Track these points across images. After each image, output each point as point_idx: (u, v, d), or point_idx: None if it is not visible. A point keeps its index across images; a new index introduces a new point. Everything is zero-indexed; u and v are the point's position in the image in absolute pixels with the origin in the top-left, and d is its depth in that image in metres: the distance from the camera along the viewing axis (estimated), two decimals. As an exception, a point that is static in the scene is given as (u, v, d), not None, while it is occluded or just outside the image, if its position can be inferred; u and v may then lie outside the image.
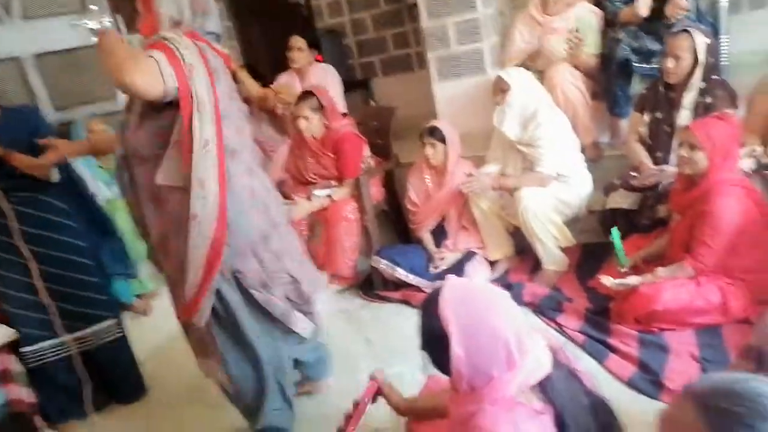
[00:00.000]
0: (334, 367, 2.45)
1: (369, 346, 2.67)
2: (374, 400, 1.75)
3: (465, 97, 3.44)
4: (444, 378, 1.64)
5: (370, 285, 3.15)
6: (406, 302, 2.95)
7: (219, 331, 1.86)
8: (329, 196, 3.10)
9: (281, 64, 3.84)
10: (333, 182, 3.16)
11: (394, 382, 1.89)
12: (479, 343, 1.14)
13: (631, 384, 2.10)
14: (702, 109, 2.60)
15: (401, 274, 2.98)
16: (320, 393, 2.35)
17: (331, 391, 2.35)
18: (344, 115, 3.25)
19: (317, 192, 3.11)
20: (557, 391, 1.18)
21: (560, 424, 1.15)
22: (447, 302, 1.18)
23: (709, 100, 2.60)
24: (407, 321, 2.79)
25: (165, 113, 1.65)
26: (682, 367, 2.12)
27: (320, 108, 3.10)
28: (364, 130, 3.26)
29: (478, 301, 1.19)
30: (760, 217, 2.29)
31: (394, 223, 3.39)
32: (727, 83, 2.69)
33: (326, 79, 3.78)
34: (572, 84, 3.12)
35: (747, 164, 2.43)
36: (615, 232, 2.45)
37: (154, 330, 2.97)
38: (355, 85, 4.28)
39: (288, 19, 4.48)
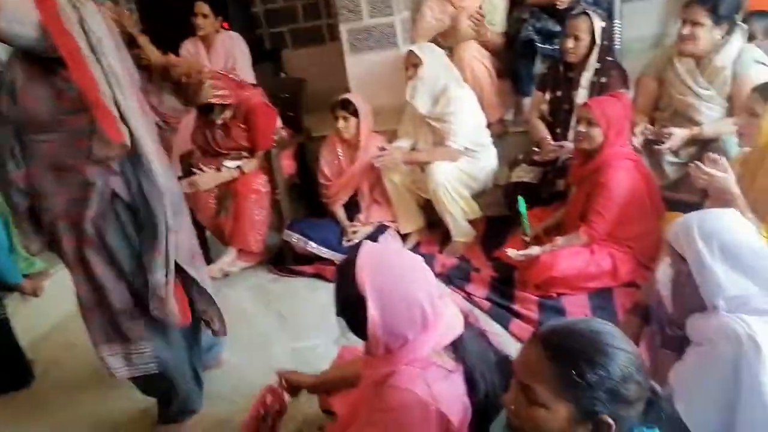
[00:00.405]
0: (248, 343, 2.42)
1: (281, 321, 2.64)
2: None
3: (377, 71, 3.43)
4: (358, 347, 1.67)
5: (281, 260, 3.10)
6: (319, 276, 2.93)
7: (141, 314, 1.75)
8: (239, 167, 2.99)
9: (185, 30, 3.62)
10: (244, 153, 3.05)
11: (306, 357, 1.89)
12: (395, 306, 1.16)
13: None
14: (597, 89, 2.77)
15: (313, 247, 2.95)
16: (221, 368, 2.31)
17: (245, 366, 2.31)
18: (254, 86, 3.13)
19: (227, 163, 2.99)
20: (467, 350, 1.23)
21: (470, 380, 1.20)
22: (363, 266, 1.18)
23: (604, 80, 2.78)
24: (320, 294, 2.78)
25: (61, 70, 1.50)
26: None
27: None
28: (274, 103, 3.16)
29: (393, 265, 1.20)
30: (647, 189, 2.50)
31: (306, 197, 3.35)
32: (620, 65, 2.89)
33: (233, 48, 3.62)
34: (480, 62, 3.21)
35: (637, 141, 2.64)
36: (521, 202, 2.57)
37: (45, 311, 2.74)
38: (264, 56, 4.13)
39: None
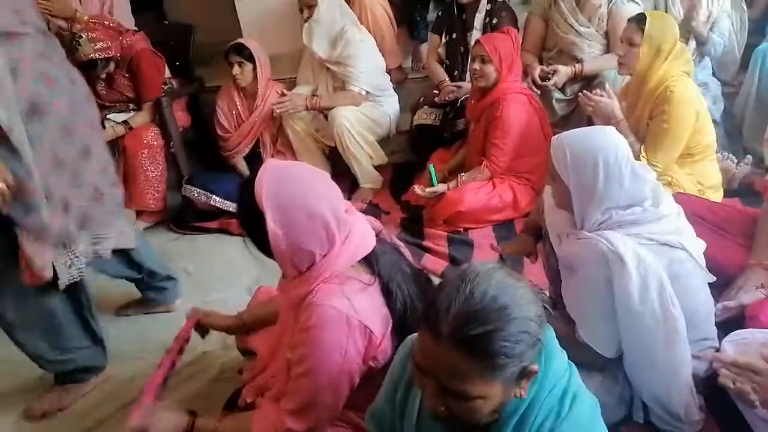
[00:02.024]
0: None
1: (188, 278, 2.51)
2: (200, 331, 1.67)
3: (271, 14, 3.27)
4: (274, 287, 1.63)
5: (182, 218, 2.93)
6: (224, 231, 2.82)
7: None
8: (125, 122, 2.76)
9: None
10: (131, 106, 2.82)
11: (220, 307, 1.82)
12: (295, 218, 1.13)
13: (444, 276, 2.31)
14: (490, 29, 2.85)
15: (217, 201, 2.82)
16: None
17: (151, 324, 2.20)
18: (135, 32, 2.88)
19: (112, 116, 2.76)
20: (382, 263, 1.23)
21: (387, 292, 1.21)
22: (263, 181, 1.14)
23: (495, 20, 2.86)
24: (227, 249, 2.68)
25: None
26: (485, 257, 2.38)
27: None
28: (160, 51, 2.93)
29: (292, 179, 1.17)
30: (540, 123, 2.63)
31: (204, 151, 3.17)
32: (509, 6, 2.98)
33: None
34: (380, 5, 3.17)
35: (528, 80, 2.76)
36: (431, 168, 2.65)
37: None
38: (144, 4, 3.78)
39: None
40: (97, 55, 2.57)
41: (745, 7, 2.91)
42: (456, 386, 0.83)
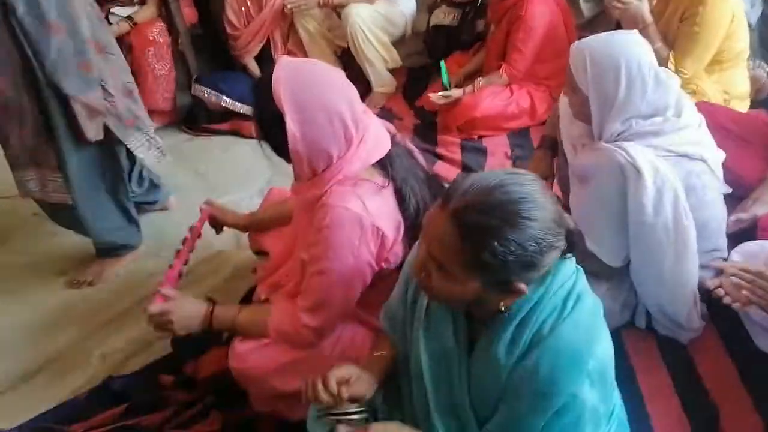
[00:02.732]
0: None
1: (200, 178, 2.53)
2: (214, 227, 1.68)
3: None
4: (285, 189, 1.63)
5: (193, 119, 2.90)
6: (236, 133, 2.79)
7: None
8: (130, 17, 2.66)
9: None
10: (137, 1, 2.70)
11: (233, 208, 1.84)
12: (314, 118, 1.10)
13: (456, 183, 2.31)
14: None
15: (228, 102, 2.77)
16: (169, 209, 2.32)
17: (163, 220, 2.25)
18: None
19: (115, 10, 2.65)
20: (396, 167, 1.22)
21: (400, 196, 1.21)
22: (279, 80, 1.10)
23: None
24: (239, 151, 2.67)
25: None
26: (498, 165, 2.37)
27: None
28: (164, -61, 2.76)
29: (311, 78, 1.13)
30: (564, 24, 2.49)
31: (212, 49, 3.07)
32: None
33: None
34: None
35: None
36: (442, 64, 2.55)
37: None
38: None
39: None
40: None
41: None
42: (439, 257, 0.86)
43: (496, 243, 0.80)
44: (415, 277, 0.93)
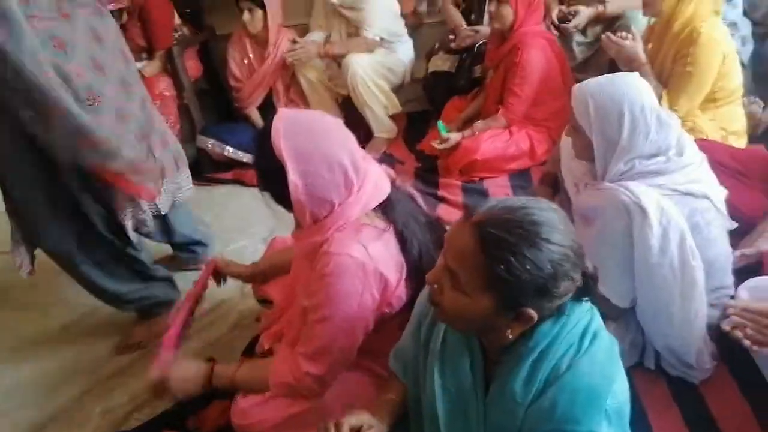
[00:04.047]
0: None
1: (204, 229, 2.54)
2: (217, 280, 1.69)
3: (281, -42, 3.17)
4: (288, 237, 1.64)
5: (197, 169, 2.93)
6: (239, 182, 2.83)
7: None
8: (138, 71, 2.73)
9: None
10: (143, 56, 2.79)
11: (236, 257, 1.85)
12: (316, 168, 1.12)
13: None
14: (509, -31, 2.72)
15: (231, 152, 2.83)
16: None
17: (179, 277, 2.21)
18: (143, -22, 2.81)
19: (122, 67, 2.73)
20: (397, 210, 1.23)
21: (402, 239, 1.21)
22: (279, 132, 1.13)
23: (515, -41, 2.72)
24: (242, 199, 2.70)
25: None
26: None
27: None
28: (169, -2, 2.88)
29: (310, 128, 1.16)
30: (560, 68, 2.55)
31: (216, 101, 3.15)
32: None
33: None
34: (391, -53, 3.04)
35: (548, 21, 2.65)
36: (440, 123, 2.61)
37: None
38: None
39: None
40: (111, 6, 2.53)
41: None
42: (455, 267, 0.88)
43: (512, 258, 0.82)
44: (428, 287, 0.95)
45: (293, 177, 1.11)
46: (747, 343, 1.22)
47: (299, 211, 1.17)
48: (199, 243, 2.23)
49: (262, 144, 1.14)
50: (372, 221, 1.20)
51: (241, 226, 2.49)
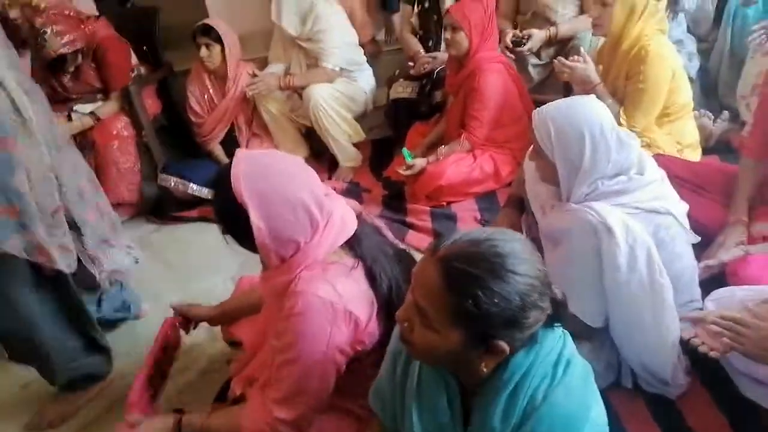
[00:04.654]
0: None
1: (171, 269, 2.48)
2: (186, 328, 1.65)
3: (237, -7, 3.18)
4: (257, 275, 1.61)
5: (160, 208, 2.88)
6: (205, 219, 2.77)
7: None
8: (92, 113, 2.68)
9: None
10: (98, 96, 2.73)
11: (205, 296, 1.80)
12: (279, 210, 1.10)
13: (429, 252, 2.31)
14: (462, -4, 2.78)
15: (195, 189, 2.77)
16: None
17: (138, 322, 2.16)
18: (97, 18, 2.77)
19: (78, 108, 2.67)
20: (365, 246, 1.21)
21: (371, 275, 1.19)
22: (239, 176, 1.10)
23: (467, -14, 2.79)
24: (209, 236, 2.63)
25: None
26: (469, 229, 2.37)
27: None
28: (124, 37, 2.83)
29: (271, 169, 1.13)
30: (518, 91, 2.60)
31: (178, 138, 3.09)
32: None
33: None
34: (346, -22, 3.08)
35: (502, 45, 2.71)
36: (404, 150, 2.61)
37: None
38: (105, -13, 3.66)
39: None
40: (66, 49, 2.48)
41: (715, -38, 2.88)
42: (423, 304, 0.87)
43: (479, 292, 0.82)
44: (398, 325, 0.94)
45: (256, 220, 1.09)
46: (704, 349, 1.25)
47: (265, 253, 1.15)
48: (123, 305, 2.10)
49: (222, 188, 1.12)
50: (340, 258, 1.18)
51: (208, 264, 2.43)
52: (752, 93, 2.35)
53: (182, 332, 1.62)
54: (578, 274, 1.41)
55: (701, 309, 1.45)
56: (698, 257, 1.58)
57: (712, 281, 1.58)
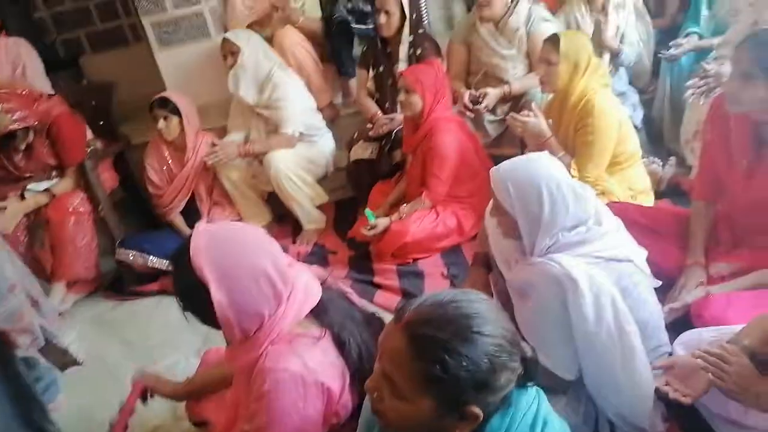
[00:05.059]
0: (94, 381, 2.14)
1: (130, 348, 2.37)
2: (144, 400, 1.56)
3: (193, 65, 3.23)
4: (222, 348, 1.55)
5: (119, 284, 2.78)
6: (165, 292, 2.68)
7: None
8: (47, 190, 2.61)
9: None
10: (53, 173, 2.68)
11: (168, 374, 1.71)
12: (241, 282, 1.07)
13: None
14: (414, 60, 2.89)
15: (154, 261, 2.69)
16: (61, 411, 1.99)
17: (96, 406, 2.02)
18: (50, 96, 2.75)
19: (31, 187, 2.60)
20: (331, 313, 1.19)
21: (339, 343, 1.16)
22: (198, 249, 1.08)
23: (419, 51, 2.90)
24: (170, 310, 2.54)
25: None
26: (437, 286, 2.37)
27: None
28: (80, 112, 2.81)
29: (230, 241, 1.11)
30: (473, 147, 2.67)
31: (137, 210, 3.04)
32: (431, 37, 3.05)
33: (19, 56, 3.10)
34: (301, 46, 3.17)
35: (457, 106, 2.81)
36: (367, 211, 2.62)
37: None
38: (60, 65, 3.66)
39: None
40: (16, 125, 2.45)
41: (648, 20, 3.08)
42: (392, 372, 0.85)
43: (447, 356, 0.81)
44: (369, 393, 0.92)
45: (217, 295, 1.06)
46: (676, 395, 1.25)
47: (228, 329, 1.11)
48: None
49: (182, 263, 1.09)
50: (306, 329, 1.15)
51: (170, 339, 2.34)
52: (694, 138, 2.48)
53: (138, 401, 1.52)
54: (547, 327, 1.41)
55: (670, 353, 1.46)
56: (660, 300, 1.60)
57: (677, 324, 1.60)
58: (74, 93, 2.95)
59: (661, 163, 2.63)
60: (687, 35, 2.77)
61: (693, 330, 1.50)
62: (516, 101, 2.88)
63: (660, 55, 2.83)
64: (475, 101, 2.81)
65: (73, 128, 2.66)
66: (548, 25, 2.76)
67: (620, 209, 1.77)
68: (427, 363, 0.82)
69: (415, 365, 0.83)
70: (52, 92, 2.81)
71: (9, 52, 3.07)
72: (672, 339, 1.50)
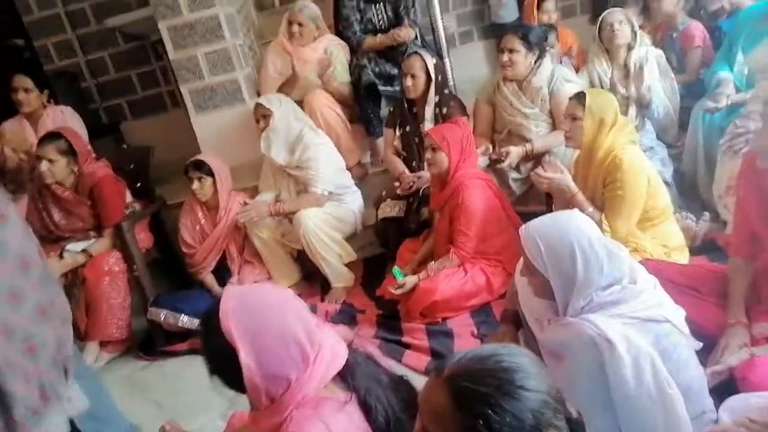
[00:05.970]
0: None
1: (159, 409, 2.36)
2: None
3: (228, 128, 3.36)
4: (246, 413, 1.53)
5: (150, 343, 2.81)
6: (196, 351, 2.69)
7: None
8: (84, 250, 2.70)
9: (4, 109, 3.27)
10: (92, 234, 2.77)
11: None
12: (269, 347, 1.07)
13: (428, 373, 2.22)
14: (440, 119, 2.95)
15: (185, 321, 2.71)
16: None
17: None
18: (97, 158, 2.89)
19: (70, 247, 2.69)
20: (357, 376, 1.17)
21: (366, 407, 1.14)
22: (227, 313, 1.08)
23: (444, 110, 2.97)
24: (200, 371, 2.50)
25: None
26: (466, 346, 2.31)
27: (70, 152, 2.71)
28: (120, 175, 2.94)
29: (259, 305, 1.12)
30: (501, 204, 2.67)
31: (170, 270, 3.10)
32: (457, 96, 3.12)
33: (66, 123, 3.31)
34: (330, 108, 3.28)
35: (481, 161, 2.83)
36: (395, 269, 2.62)
37: None
38: (102, 131, 3.87)
39: (5, 63, 3.85)
40: (55, 187, 2.57)
41: (672, 75, 3.10)
42: (431, 426, 0.84)
43: (489, 411, 0.79)
44: None
45: (246, 359, 1.05)
46: None
47: (254, 393, 1.10)
48: None
49: (209, 326, 1.09)
50: (332, 392, 1.13)
51: (197, 401, 2.31)
52: (727, 193, 2.43)
53: None
54: (586, 391, 1.35)
55: (715, 420, 1.38)
56: (701, 363, 1.53)
57: (720, 388, 1.52)
58: (115, 157, 3.08)
59: (695, 219, 2.57)
60: (718, 79, 2.74)
61: (739, 395, 1.42)
62: (538, 159, 2.89)
63: (705, 110, 2.78)
64: (498, 159, 2.84)
65: (115, 191, 2.78)
66: (571, 85, 2.80)
67: (655, 267, 1.73)
68: (469, 418, 0.80)
69: (456, 420, 0.81)
70: (96, 156, 2.95)
71: (56, 119, 3.28)
72: (715, 404, 1.42)
